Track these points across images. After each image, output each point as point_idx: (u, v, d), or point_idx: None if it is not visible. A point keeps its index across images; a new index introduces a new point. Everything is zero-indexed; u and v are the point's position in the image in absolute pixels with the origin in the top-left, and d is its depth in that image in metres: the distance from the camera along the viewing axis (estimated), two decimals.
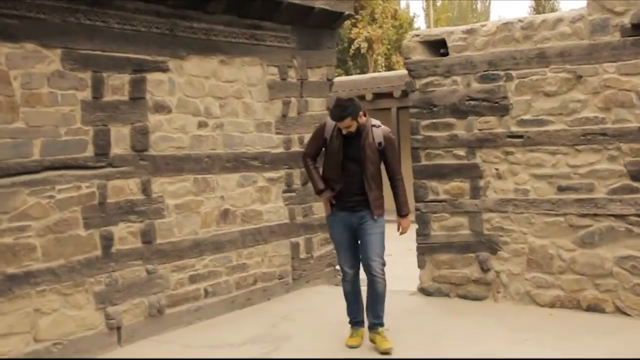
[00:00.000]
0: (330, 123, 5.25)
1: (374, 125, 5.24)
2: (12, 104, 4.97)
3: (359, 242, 5.31)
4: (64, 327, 5.24)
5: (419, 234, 7.03)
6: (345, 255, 5.42)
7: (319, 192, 5.39)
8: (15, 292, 4.92)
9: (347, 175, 5.21)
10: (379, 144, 5.19)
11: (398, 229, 5.44)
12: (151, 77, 5.96)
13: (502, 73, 6.49)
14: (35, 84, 5.12)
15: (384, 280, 5.24)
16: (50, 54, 5.22)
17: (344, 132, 5.13)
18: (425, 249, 6.96)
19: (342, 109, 5.08)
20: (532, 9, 41.07)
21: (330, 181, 5.29)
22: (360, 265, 5.40)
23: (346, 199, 5.25)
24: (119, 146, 5.71)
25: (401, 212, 5.37)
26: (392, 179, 5.33)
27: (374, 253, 5.21)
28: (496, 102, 6.52)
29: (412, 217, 5.56)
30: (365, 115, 5.21)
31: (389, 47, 27.30)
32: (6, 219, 4.90)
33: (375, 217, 5.22)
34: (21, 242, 4.98)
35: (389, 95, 14.51)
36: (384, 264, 5.26)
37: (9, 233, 4.91)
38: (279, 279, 7.25)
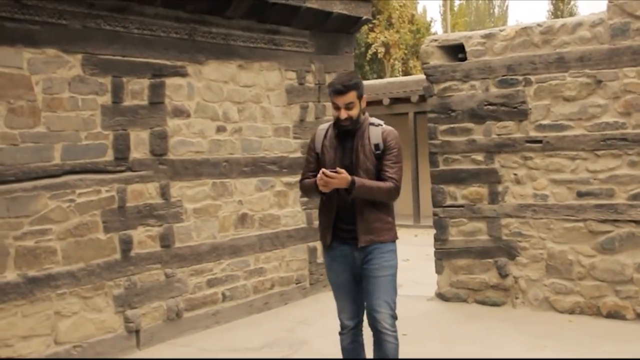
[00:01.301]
0: (320, 133, 4.14)
1: (372, 124, 4.03)
2: (34, 109, 5.03)
3: (363, 285, 4.05)
4: (84, 329, 5.29)
5: (436, 239, 7.01)
6: (344, 302, 4.13)
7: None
8: (36, 295, 4.97)
9: (342, 197, 3.93)
10: (376, 146, 3.94)
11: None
12: (170, 81, 6.01)
13: (520, 78, 6.46)
14: (57, 88, 5.18)
15: (396, 339, 3.98)
16: (71, 59, 5.28)
17: (342, 116, 3.92)
18: (443, 254, 6.94)
19: (348, 78, 3.97)
20: (550, 13, 40.89)
21: (325, 209, 4.06)
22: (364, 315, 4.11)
23: (344, 227, 3.98)
24: (138, 150, 5.75)
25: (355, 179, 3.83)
26: (384, 180, 3.94)
27: (381, 300, 3.95)
28: (515, 107, 6.50)
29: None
30: (364, 113, 4.08)
31: (406, 51, 27.30)
32: (28, 222, 4.95)
33: (380, 244, 3.96)
34: (42, 245, 5.03)
35: (406, 100, 14.48)
36: (394, 317, 3.99)
37: (31, 236, 4.96)
38: (296, 284, 7.26)
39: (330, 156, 4.00)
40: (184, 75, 6.12)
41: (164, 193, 5.94)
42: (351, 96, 3.91)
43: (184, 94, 6.12)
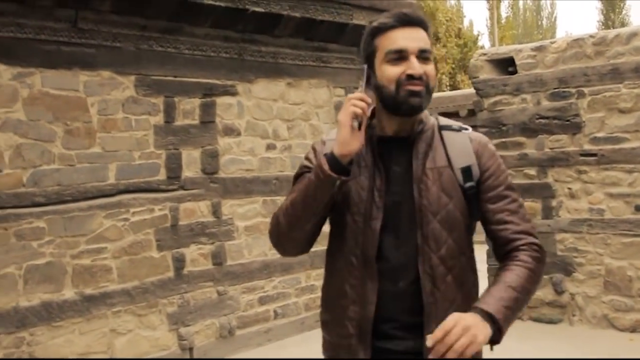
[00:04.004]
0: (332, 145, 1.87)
1: (447, 127, 2.00)
2: (90, 130, 5.14)
3: None
4: (139, 347, 5.35)
5: (489, 255, 6.89)
6: None
7: (327, 176, 1.81)
8: (92, 313, 5.06)
9: (388, 266, 1.91)
10: (465, 172, 1.92)
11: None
12: (220, 100, 6.08)
13: (573, 90, 6.35)
14: (111, 109, 5.28)
15: None
16: (125, 80, 5.39)
17: (417, 71, 1.84)
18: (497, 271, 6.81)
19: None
20: (601, 24, 40.17)
21: (347, 291, 1.97)
22: None
23: (390, 332, 1.91)
24: (190, 169, 5.82)
25: (480, 304, 1.75)
26: (514, 248, 1.90)
27: None
28: (568, 120, 6.39)
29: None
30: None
31: (454, 66, 27.11)
32: (84, 241, 5.05)
33: None
34: (98, 264, 5.12)
35: (455, 114, 14.36)
36: None
37: (87, 255, 5.06)
38: None
39: (360, 186, 1.93)
40: (234, 94, 6.19)
41: (216, 211, 5.99)
42: (426, 39, 1.92)
43: (234, 113, 6.19)
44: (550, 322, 6.47)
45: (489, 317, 1.71)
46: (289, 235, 1.97)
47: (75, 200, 5.02)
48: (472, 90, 7.44)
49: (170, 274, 5.62)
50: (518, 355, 5.56)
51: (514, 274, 1.83)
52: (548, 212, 6.50)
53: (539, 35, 44.93)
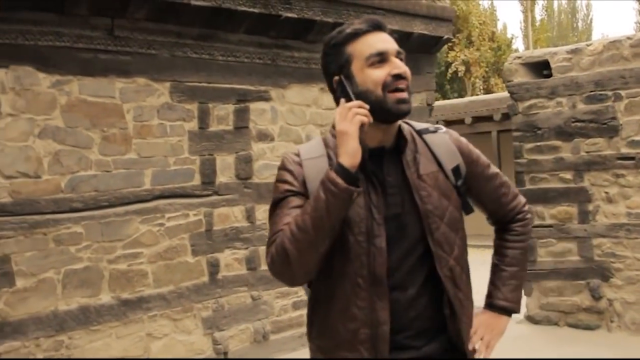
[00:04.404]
0: (310, 165, 1.92)
1: (425, 131, 2.03)
2: (126, 136, 5.22)
3: None
4: (174, 351, 5.40)
5: None
6: None
7: (344, 189, 1.74)
8: (129, 317, 5.12)
9: (395, 279, 1.86)
10: (456, 171, 1.98)
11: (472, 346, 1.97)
12: (254, 106, 6.12)
13: (610, 93, 6.26)
14: (146, 116, 5.35)
15: None
16: (160, 87, 5.45)
17: (401, 69, 1.89)
18: (532, 276, 6.74)
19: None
20: (639, 25, 39.51)
21: (356, 304, 1.86)
22: None
23: (403, 342, 1.88)
24: (224, 175, 5.86)
25: (495, 301, 2.08)
26: (511, 218, 2.13)
27: None
28: (604, 123, 6.30)
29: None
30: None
31: (487, 69, 26.90)
32: (120, 246, 5.12)
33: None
34: (134, 269, 5.19)
35: (489, 118, 14.25)
36: None
37: (123, 260, 5.13)
38: None
39: (357, 204, 1.83)
40: (267, 99, 6.23)
41: (250, 216, 6.03)
42: (396, 45, 1.94)
43: (267, 118, 6.22)
44: (588, 328, 6.37)
45: (505, 311, 2.06)
46: (301, 262, 1.80)
47: (112, 206, 5.09)
48: (506, 94, 7.38)
49: (205, 278, 5.67)
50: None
51: (515, 253, 2.10)
52: (584, 217, 6.41)
53: (575, 37, 44.35)
